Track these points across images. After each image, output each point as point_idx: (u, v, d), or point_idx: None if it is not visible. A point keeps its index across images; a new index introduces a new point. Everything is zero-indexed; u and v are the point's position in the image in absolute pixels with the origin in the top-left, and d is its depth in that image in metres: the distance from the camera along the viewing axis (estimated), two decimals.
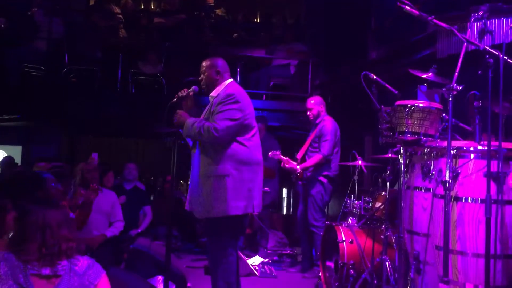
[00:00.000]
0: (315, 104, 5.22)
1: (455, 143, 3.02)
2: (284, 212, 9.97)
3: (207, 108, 3.59)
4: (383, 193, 4.18)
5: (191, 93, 3.61)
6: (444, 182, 2.80)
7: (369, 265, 3.89)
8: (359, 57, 6.42)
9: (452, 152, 2.91)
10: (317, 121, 5.19)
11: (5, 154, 8.71)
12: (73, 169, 5.14)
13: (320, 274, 4.45)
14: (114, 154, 11.31)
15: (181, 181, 9.30)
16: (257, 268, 5.20)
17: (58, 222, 2.11)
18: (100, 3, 9.18)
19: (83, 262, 2.09)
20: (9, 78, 7.05)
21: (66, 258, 2.05)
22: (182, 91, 3.60)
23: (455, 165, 2.95)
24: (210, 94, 3.62)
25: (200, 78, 3.68)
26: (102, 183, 5.97)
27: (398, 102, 3.34)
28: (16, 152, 9.66)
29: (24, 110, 7.50)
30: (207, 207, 3.37)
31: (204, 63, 3.66)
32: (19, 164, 8.70)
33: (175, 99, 3.60)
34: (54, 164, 4.61)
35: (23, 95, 7.08)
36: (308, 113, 5.24)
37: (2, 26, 7.26)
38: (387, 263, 3.64)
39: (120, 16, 8.63)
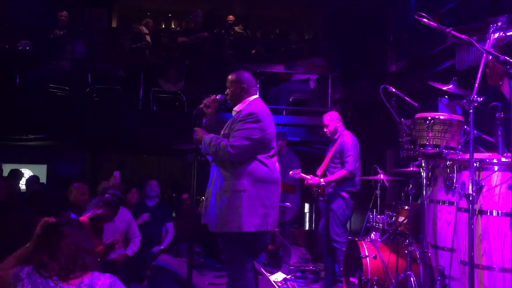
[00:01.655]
0: (331, 120, 5.20)
1: (477, 156, 2.97)
2: (307, 227, 9.89)
3: (228, 122, 3.57)
4: (406, 207, 4.12)
5: (217, 97, 3.66)
6: (467, 195, 2.75)
7: (393, 281, 3.82)
8: (378, 71, 6.40)
9: (475, 164, 2.85)
10: (335, 137, 5.16)
11: (31, 173, 8.88)
12: (96, 187, 5.21)
13: None
14: (136, 171, 11.43)
15: (202, 198, 9.32)
16: (279, 284, 5.16)
17: (82, 241, 2.14)
18: (126, 24, 9.38)
19: (104, 280, 2.11)
20: (34, 98, 7.22)
21: (88, 276, 2.07)
22: (209, 98, 3.64)
23: (479, 177, 2.90)
24: (234, 109, 3.60)
25: (226, 93, 3.67)
26: (126, 200, 6.04)
27: (418, 115, 3.31)
28: (41, 171, 9.87)
29: (49, 130, 7.66)
30: (221, 221, 3.36)
31: (230, 77, 3.66)
32: (44, 182, 8.88)
33: (201, 105, 3.63)
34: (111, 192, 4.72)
35: (48, 114, 7.24)
36: (325, 129, 5.22)
37: (28, 48, 7.46)
38: (412, 278, 3.57)
39: (148, 36, 8.81)
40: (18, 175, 7.74)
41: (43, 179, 9.21)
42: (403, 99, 3.76)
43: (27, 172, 9.05)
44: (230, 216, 3.32)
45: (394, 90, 3.74)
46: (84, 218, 4.44)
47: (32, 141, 8.55)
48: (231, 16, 9.44)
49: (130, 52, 8.44)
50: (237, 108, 3.57)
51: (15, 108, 7.11)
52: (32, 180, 7.73)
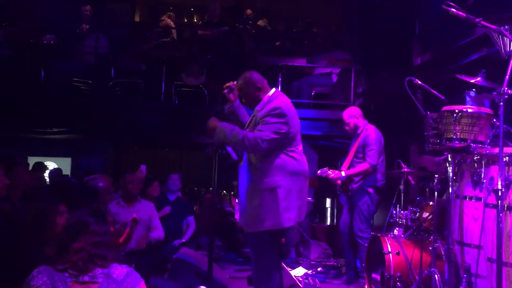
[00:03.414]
0: (349, 117, 5.14)
1: (507, 150, 2.87)
2: (328, 222, 9.81)
3: (251, 119, 3.54)
4: (431, 203, 4.04)
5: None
6: (496, 191, 2.67)
7: (417, 277, 3.75)
8: (403, 63, 6.27)
9: (504, 159, 2.77)
10: (359, 131, 5.10)
11: (56, 166, 9.02)
12: (119, 180, 5.24)
13: (366, 286, 4.34)
14: (158, 165, 11.51)
15: (224, 191, 9.34)
16: (300, 279, 5.12)
17: (102, 233, 2.15)
18: (148, 18, 9.43)
19: (121, 270, 2.11)
20: (58, 92, 7.32)
21: (104, 266, 2.07)
22: (229, 84, 3.59)
23: (508, 172, 2.81)
24: (255, 108, 3.54)
25: (243, 102, 3.62)
26: (148, 193, 6.08)
27: (445, 108, 3.22)
28: (65, 164, 10.02)
29: (73, 123, 7.75)
30: (258, 220, 3.35)
31: (239, 83, 3.58)
32: (69, 175, 8.99)
33: (226, 90, 3.57)
34: None
35: (72, 108, 7.32)
36: (346, 127, 5.18)
37: (52, 42, 7.55)
38: (436, 276, 3.49)
39: (174, 30, 8.85)
40: (42, 167, 7.86)
41: (67, 172, 9.34)
42: (429, 92, 3.66)
43: (51, 165, 9.19)
44: (268, 214, 3.32)
45: (419, 82, 3.65)
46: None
47: (57, 135, 8.68)
48: (249, 10, 9.39)
49: (152, 46, 8.47)
50: (258, 107, 3.52)
51: (40, 102, 7.21)
52: (55, 173, 7.84)
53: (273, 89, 3.58)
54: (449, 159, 3.29)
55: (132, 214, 4.66)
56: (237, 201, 8.56)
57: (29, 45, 7.72)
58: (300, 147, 3.53)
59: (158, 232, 5.00)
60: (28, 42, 7.81)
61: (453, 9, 2.89)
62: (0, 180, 2.67)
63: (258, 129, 3.33)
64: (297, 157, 3.44)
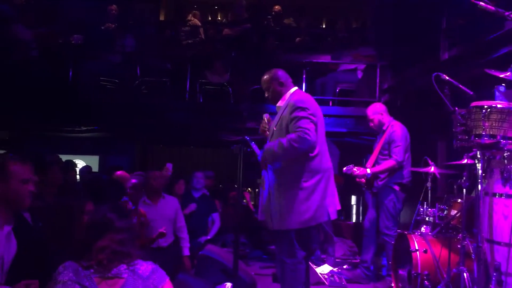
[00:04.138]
0: (374, 113, 5.10)
1: None
2: (354, 220, 9.74)
3: (276, 119, 3.60)
4: (459, 200, 3.97)
5: (266, 116, 3.82)
6: None
7: (445, 276, 3.69)
8: (429, 58, 6.16)
9: None
10: (384, 128, 5.05)
11: (84, 164, 9.20)
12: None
13: (393, 285, 4.30)
14: (183, 163, 11.61)
15: (249, 189, 9.37)
16: (326, 276, 5.10)
17: (126, 229, 2.17)
18: (173, 17, 9.51)
19: (146, 266, 2.13)
20: (86, 91, 7.45)
21: (129, 263, 2.09)
22: (263, 121, 3.77)
23: None
24: (277, 105, 3.65)
25: (266, 96, 3.72)
26: (174, 191, 6.15)
27: (474, 103, 3.16)
28: (94, 161, 10.21)
29: (101, 122, 7.88)
30: (283, 219, 3.36)
31: (264, 78, 3.70)
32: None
33: (264, 132, 3.76)
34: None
35: (99, 107, 7.45)
36: (371, 124, 5.14)
37: (80, 42, 7.69)
38: (465, 274, 3.43)
39: (201, 30, 8.92)
40: (72, 165, 8.02)
41: (95, 169, 9.51)
42: (457, 87, 3.59)
43: (80, 163, 9.37)
44: (290, 213, 3.33)
45: (447, 77, 3.58)
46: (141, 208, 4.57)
47: (85, 133, 8.84)
48: (277, 6, 9.33)
49: (181, 46, 8.55)
50: (280, 103, 3.63)
51: (69, 101, 7.35)
52: (85, 170, 7.99)
53: (295, 88, 3.67)
54: (478, 156, 3.23)
55: (159, 212, 4.74)
56: (249, 190, 8.60)
57: (58, 46, 7.88)
58: (324, 145, 3.53)
59: (185, 241, 5.03)
60: (57, 42, 7.97)
61: (481, 3, 2.83)
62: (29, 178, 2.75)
63: (294, 127, 3.34)
64: (318, 153, 3.44)
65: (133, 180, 4.79)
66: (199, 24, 9.04)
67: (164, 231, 4.50)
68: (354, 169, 5.00)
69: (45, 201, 3.54)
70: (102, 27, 8.05)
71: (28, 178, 2.55)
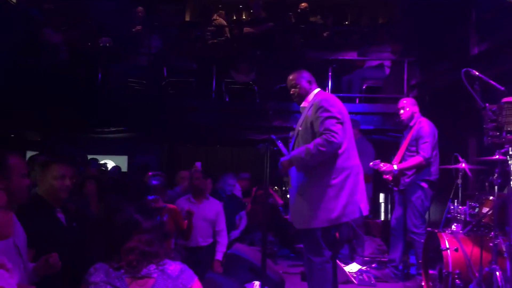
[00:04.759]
0: (408, 104, 5.02)
1: None
2: (382, 218, 9.64)
3: (301, 119, 3.61)
4: (491, 197, 3.88)
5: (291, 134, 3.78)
6: None
7: (477, 274, 3.62)
8: (458, 53, 6.05)
9: None
10: (411, 124, 4.98)
11: (113, 164, 9.37)
12: (174, 177, 5.38)
13: (423, 284, 4.25)
14: (210, 162, 11.70)
15: (276, 187, 9.37)
16: (354, 275, 5.07)
17: (152, 229, 2.20)
18: (199, 17, 9.58)
19: (175, 266, 2.15)
20: (114, 93, 7.58)
21: (158, 263, 2.12)
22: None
23: None
24: (301, 105, 3.68)
25: (292, 92, 3.73)
26: None
27: (505, 99, 3.10)
28: (122, 161, 10.39)
29: (129, 122, 8.01)
30: (310, 217, 3.37)
31: (291, 77, 3.73)
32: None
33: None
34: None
35: (127, 108, 7.58)
36: (401, 111, 5.04)
37: (108, 45, 7.82)
38: (497, 273, 3.37)
39: (227, 29, 8.97)
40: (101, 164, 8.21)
41: (124, 169, 9.67)
42: (488, 83, 3.52)
43: (110, 163, 9.55)
44: (320, 210, 3.34)
45: (477, 73, 3.51)
46: (171, 205, 4.63)
47: (114, 134, 9.00)
48: (303, 4, 9.28)
49: (206, 46, 8.61)
50: (304, 104, 3.66)
51: (98, 102, 7.51)
52: (115, 170, 8.15)
53: (318, 89, 3.70)
54: (510, 152, 3.16)
55: (200, 212, 4.81)
56: (276, 189, 8.60)
57: (86, 49, 8.04)
58: (352, 141, 3.52)
59: (222, 246, 5.05)
60: (85, 45, 8.13)
61: None
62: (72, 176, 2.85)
63: (320, 128, 3.35)
64: (345, 150, 3.43)
65: (154, 182, 4.83)
66: (225, 23, 9.07)
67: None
68: (381, 165, 4.95)
69: (85, 199, 3.63)
70: (131, 30, 8.17)
71: (65, 174, 2.65)
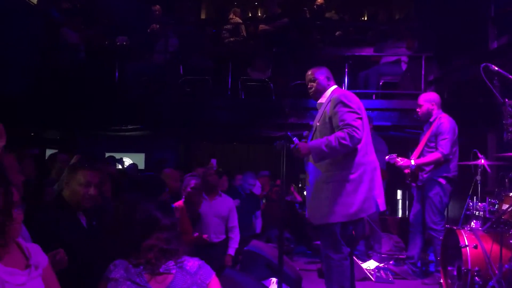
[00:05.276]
0: (424, 101, 4.97)
1: None
2: (400, 215, 9.57)
3: (319, 115, 3.61)
4: (511, 194, 3.83)
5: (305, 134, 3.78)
6: None
7: (497, 272, 3.58)
8: (477, 48, 5.96)
9: None
10: (431, 120, 4.93)
11: (131, 161, 9.45)
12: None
13: (442, 281, 4.21)
14: (227, 159, 11.73)
15: (293, 184, 9.37)
16: (372, 272, 5.05)
17: (171, 227, 2.22)
18: (219, 13, 9.59)
19: (193, 262, 2.16)
20: (132, 91, 7.65)
21: (177, 259, 2.14)
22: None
23: None
24: (319, 101, 3.68)
25: (309, 86, 3.73)
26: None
27: None
28: (140, 159, 10.48)
29: (146, 120, 8.08)
30: (327, 213, 3.37)
31: (310, 72, 3.72)
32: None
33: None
34: None
35: (144, 106, 7.63)
36: (418, 109, 5.00)
37: (124, 43, 7.89)
38: None
39: (243, 27, 8.97)
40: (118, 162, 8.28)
41: (141, 167, 9.75)
42: (507, 78, 3.46)
43: (127, 161, 9.64)
44: (337, 206, 3.34)
45: (496, 68, 3.46)
46: (179, 203, 4.65)
47: (131, 132, 9.08)
48: (320, 0, 9.22)
49: (219, 43, 8.62)
50: (321, 100, 3.66)
51: (115, 101, 7.58)
52: (132, 168, 8.21)
53: (335, 86, 3.70)
54: None
55: (212, 208, 4.83)
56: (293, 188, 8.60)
57: (104, 48, 8.11)
58: (368, 137, 3.51)
59: (234, 242, 5.07)
60: (103, 44, 8.21)
61: None
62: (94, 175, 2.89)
63: (340, 123, 3.34)
64: (365, 146, 3.43)
65: (193, 181, 4.84)
66: (241, 21, 9.07)
67: (206, 238, 4.58)
68: (398, 159, 4.91)
69: (105, 198, 3.66)
70: (147, 29, 8.22)
71: (90, 182, 2.70)
